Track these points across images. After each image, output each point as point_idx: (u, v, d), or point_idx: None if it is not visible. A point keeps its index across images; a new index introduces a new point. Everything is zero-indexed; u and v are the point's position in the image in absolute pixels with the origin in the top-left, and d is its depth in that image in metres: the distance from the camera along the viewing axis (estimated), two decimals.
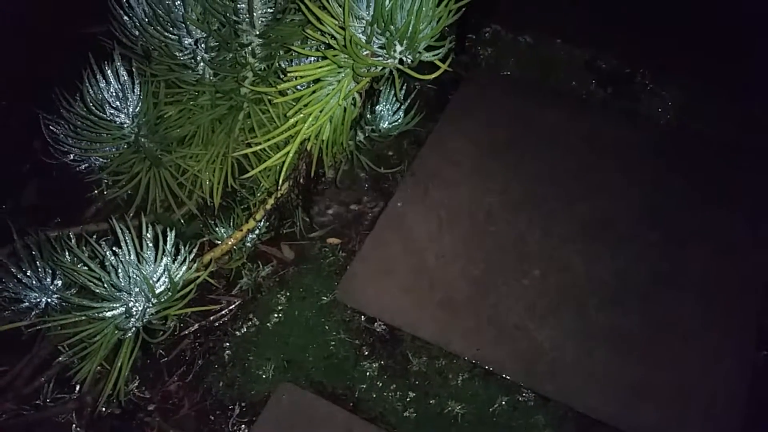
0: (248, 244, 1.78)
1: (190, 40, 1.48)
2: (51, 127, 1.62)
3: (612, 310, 1.88)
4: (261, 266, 1.94)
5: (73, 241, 1.36)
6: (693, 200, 2.14)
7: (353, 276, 1.94)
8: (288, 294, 1.90)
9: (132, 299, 1.13)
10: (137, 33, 1.53)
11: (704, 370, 1.78)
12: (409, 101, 1.79)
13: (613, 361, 1.79)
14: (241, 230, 1.58)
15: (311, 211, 2.01)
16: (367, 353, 1.81)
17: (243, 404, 1.71)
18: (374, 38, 1.18)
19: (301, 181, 1.59)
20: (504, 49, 2.59)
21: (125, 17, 1.51)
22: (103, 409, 1.67)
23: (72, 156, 1.69)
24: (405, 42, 1.17)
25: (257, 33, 1.48)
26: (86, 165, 1.73)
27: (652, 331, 1.84)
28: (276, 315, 1.86)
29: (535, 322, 1.85)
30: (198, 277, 1.25)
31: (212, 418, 1.69)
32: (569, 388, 1.74)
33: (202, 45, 1.49)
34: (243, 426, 1.67)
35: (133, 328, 1.18)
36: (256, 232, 1.72)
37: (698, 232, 2.05)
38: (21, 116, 2.10)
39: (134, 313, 1.15)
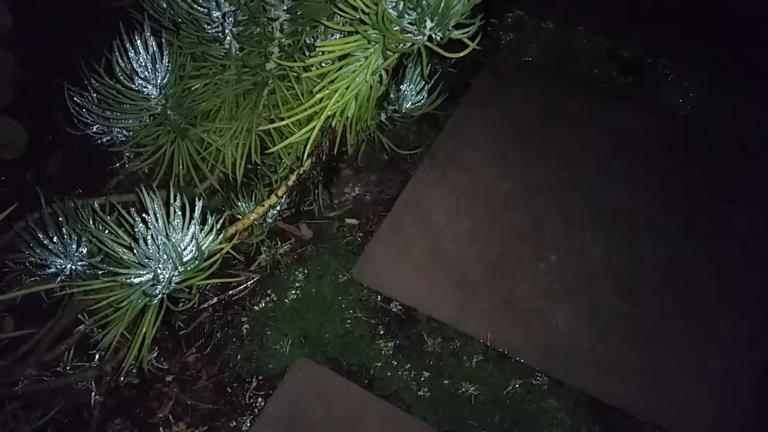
0: (269, 220, 1.79)
1: (218, 14, 1.48)
2: (75, 98, 1.64)
3: (628, 297, 1.88)
4: (279, 243, 1.96)
5: (97, 209, 1.39)
6: (712, 192, 2.13)
7: (370, 256, 1.96)
8: (306, 271, 1.92)
9: (160, 266, 1.15)
10: (165, 5, 1.54)
11: (719, 359, 1.78)
12: (432, 83, 1.79)
13: (627, 347, 1.80)
14: (263, 206, 1.58)
15: (331, 189, 2.01)
16: (382, 332, 1.83)
17: (260, 377, 1.73)
18: (405, 13, 1.18)
19: (324, 158, 1.59)
20: (526, 35, 2.58)
21: None
22: (122, 378, 1.70)
23: (95, 128, 1.71)
24: (436, 18, 1.17)
25: (285, 8, 1.49)
26: (108, 137, 1.75)
27: (667, 319, 1.85)
28: (294, 292, 1.87)
29: (551, 307, 1.86)
30: (222, 248, 1.27)
31: (229, 390, 1.71)
32: (583, 373, 1.75)
33: (230, 19, 1.50)
34: (260, 399, 1.69)
35: (160, 295, 1.20)
36: (278, 208, 1.73)
37: (716, 224, 2.05)
38: (44, 88, 2.11)
39: (161, 280, 1.16)
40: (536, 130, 2.28)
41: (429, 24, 1.18)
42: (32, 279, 1.59)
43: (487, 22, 2.54)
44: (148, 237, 1.12)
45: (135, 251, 1.14)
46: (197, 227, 1.18)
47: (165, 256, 1.14)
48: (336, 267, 1.94)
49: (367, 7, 1.21)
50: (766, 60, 2.47)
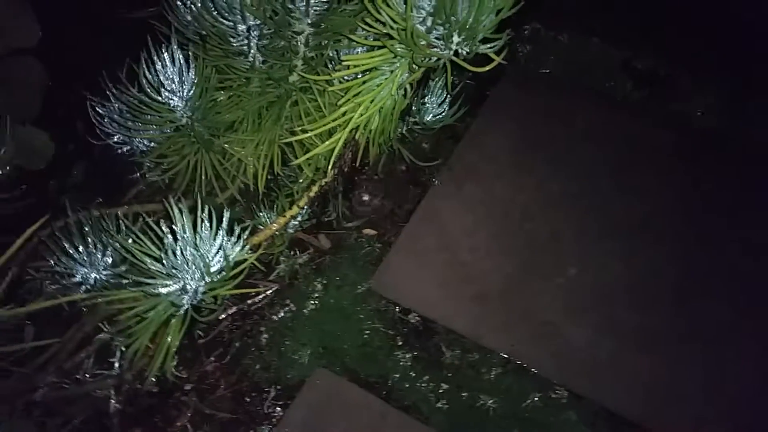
0: (290, 231, 1.80)
1: (243, 27, 1.50)
2: (97, 108, 1.65)
3: (647, 310, 1.88)
4: (298, 253, 1.97)
5: (123, 219, 1.40)
6: (728, 204, 2.13)
7: (389, 267, 1.96)
8: (324, 282, 1.92)
9: (188, 277, 1.15)
10: (189, 18, 1.56)
11: (736, 373, 1.77)
12: (453, 95, 1.80)
13: (647, 360, 1.79)
14: (285, 216, 1.59)
15: (351, 200, 2.02)
16: (401, 343, 1.83)
17: (278, 387, 1.74)
18: (434, 29, 1.19)
19: (346, 170, 1.60)
20: (543, 47, 2.59)
21: (178, 2, 1.53)
22: (142, 386, 1.71)
23: (115, 138, 1.72)
24: (464, 33, 1.18)
25: (310, 22, 1.50)
26: (128, 147, 1.76)
27: (686, 332, 1.84)
28: (312, 302, 1.88)
29: (570, 320, 1.86)
30: (246, 259, 1.27)
31: (248, 399, 1.72)
32: (603, 387, 1.75)
33: (255, 32, 1.51)
34: (278, 408, 1.70)
35: (186, 305, 1.20)
36: (299, 219, 1.74)
37: (734, 236, 2.04)
38: (66, 97, 2.14)
39: (188, 290, 1.17)
40: (553, 141, 2.28)
41: (456, 39, 1.19)
42: (55, 287, 1.60)
43: (505, 33, 2.55)
44: (177, 248, 1.13)
45: (164, 261, 1.15)
46: (225, 237, 1.19)
47: (193, 267, 1.15)
48: (354, 278, 1.94)
49: (395, 22, 1.22)
50: None
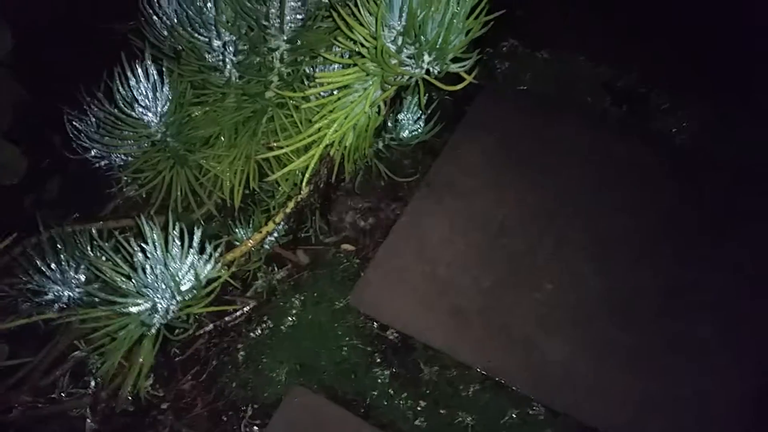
0: (266, 247, 1.79)
1: (219, 43, 1.50)
2: (74, 122, 1.64)
3: (623, 325, 1.88)
4: (276, 269, 1.96)
5: (95, 236, 1.39)
6: (705, 221, 2.14)
7: (367, 283, 1.96)
8: (302, 298, 1.92)
9: (158, 296, 1.15)
10: (166, 33, 1.56)
11: (715, 389, 1.78)
12: (429, 111, 1.81)
13: (624, 376, 1.80)
14: (261, 232, 1.59)
15: (328, 216, 2.02)
16: (379, 360, 1.82)
17: (255, 406, 1.72)
18: (404, 48, 1.20)
19: (321, 185, 1.60)
20: (521, 64, 2.61)
21: (155, 17, 1.53)
22: (117, 405, 1.69)
23: (93, 152, 1.71)
24: (434, 53, 1.19)
25: (285, 38, 1.51)
26: (106, 162, 1.75)
27: (664, 347, 1.85)
28: (290, 318, 1.87)
29: (547, 335, 1.86)
30: (219, 276, 1.27)
31: (225, 418, 1.70)
32: (580, 403, 1.75)
33: (231, 48, 1.52)
34: (255, 428, 1.68)
35: (157, 325, 1.19)
36: (275, 234, 1.73)
37: (709, 253, 2.06)
38: (42, 111, 2.12)
39: (159, 309, 1.16)
40: (531, 157, 2.30)
41: (427, 58, 1.20)
42: (28, 305, 1.58)
43: (483, 51, 2.57)
44: (147, 266, 1.13)
45: (133, 280, 1.14)
46: (196, 256, 1.18)
47: (163, 286, 1.14)
48: (332, 293, 1.94)
49: (366, 41, 1.23)
50: (760, 90, 2.50)
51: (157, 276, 1.13)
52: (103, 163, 1.75)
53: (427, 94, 1.68)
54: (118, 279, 1.16)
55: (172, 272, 1.13)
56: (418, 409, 1.74)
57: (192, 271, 1.17)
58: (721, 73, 2.58)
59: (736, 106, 2.46)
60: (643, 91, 2.55)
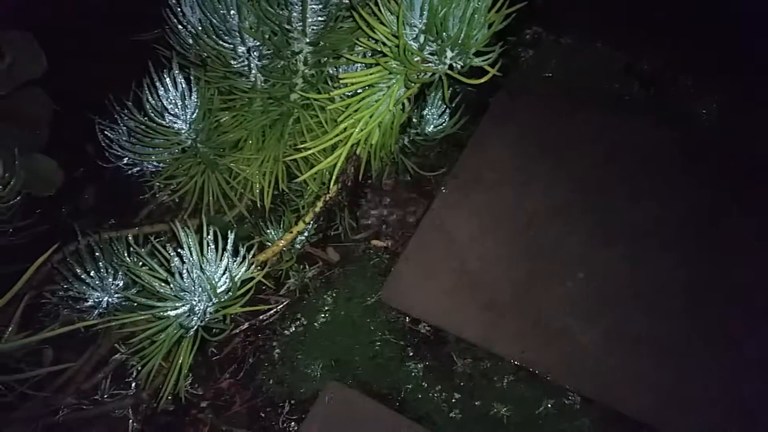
0: (297, 246, 1.82)
1: (243, 48, 1.53)
2: (105, 132, 1.69)
3: (655, 314, 1.87)
4: (307, 267, 1.99)
5: (132, 242, 1.43)
6: (736, 208, 2.10)
7: (397, 278, 1.97)
8: (334, 295, 1.94)
9: (195, 299, 1.18)
10: (191, 41, 1.59)
11: (747, 379, 1.76)
12: (453, 105, 1.82)
13: (655, 365, 1.78)
14: (292, 232, 1.62)
15: (357, 213, 2.04)
16: (411, 354, 1.84)
17: (292, 402, 1.75)
18: (427, 45, 1.20)
19: (349, 183, 1.62)
20: (545, 51, 2.60)
21: (179, 26, 1.56)
22: (158, 405, 1.73)
23: (125, 160, 1.76)
24: (456, 48, 1.20)
25: (308, 41, 1.53)
26: (138, 169, 1.79)
27: (696, 336, 1.83)
28: (323, 315, 1.90)
29: (579, 325, 1.86)
30: (254, 277, 1.30)
31: (263, 414, 1.74)
32: (614, 391, 1.74)
33: (255, 53, 1.54)
34: (293, 423, 1.71)
35: (195, 326, 1.23)
36: (305, 234, 1.76)
37: (741, 239, 2.03)
38: (75, 121, 2.18)
39: (197, 311, 1.19)
40: (557, 146, 2.28)
41: (450, 54, 1.21)
42: (69, 311, 1.63)
43: (506, 39, 2.56)
44: (183, 270, 1.16)
45: (171, 284, 1.18)
46: (230, 258, 1.21)
47: (200, 289, 1.17)
48: (364, 289, 1.96)
49: (388, 39, 1.24)
50: None
51: (193, 280, 1.16)
52: (135, 170, 1.80)
53: (450, 88, 1.69)
54: (156, 284, 1.19)
55: (208, 275, 1.16)
56: (453, 401, 1.75)
57: (227, 273, 1.20)
58: (746, 53, 2.53)
59: (763, 85, 2.41)
60: (669, 75, 2.51)
